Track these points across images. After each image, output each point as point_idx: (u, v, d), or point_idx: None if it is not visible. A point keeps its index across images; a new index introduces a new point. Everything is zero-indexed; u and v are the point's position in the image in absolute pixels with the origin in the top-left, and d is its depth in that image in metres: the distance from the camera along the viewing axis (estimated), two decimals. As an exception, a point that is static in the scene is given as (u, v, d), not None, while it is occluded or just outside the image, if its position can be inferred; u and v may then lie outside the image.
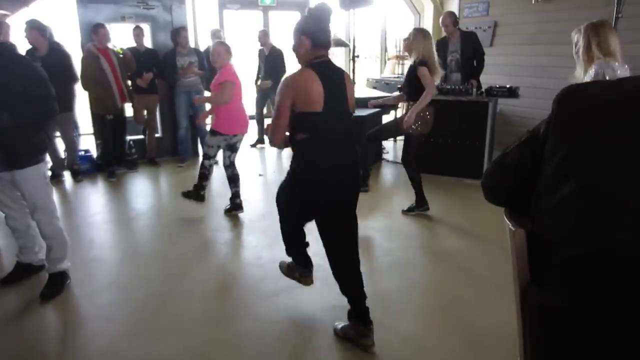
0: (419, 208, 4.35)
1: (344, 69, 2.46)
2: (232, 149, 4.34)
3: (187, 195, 4.44)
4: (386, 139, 4.48)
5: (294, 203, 2.53)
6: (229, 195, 4.52)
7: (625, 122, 0.92)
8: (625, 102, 0.94)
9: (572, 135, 0.99)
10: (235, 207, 4.46)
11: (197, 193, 4.41)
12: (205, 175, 4.39)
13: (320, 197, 2.36)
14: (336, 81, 2.32)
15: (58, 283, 3.00)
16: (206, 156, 4.36)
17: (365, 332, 2.44)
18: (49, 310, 2.85)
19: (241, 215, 4.42)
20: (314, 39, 2.27)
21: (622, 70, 2.84)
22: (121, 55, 5.62)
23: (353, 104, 2.48)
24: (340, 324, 2.57)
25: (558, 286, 1.01)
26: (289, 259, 2.83)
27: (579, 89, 1.03)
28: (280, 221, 2.70)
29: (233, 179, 4.41)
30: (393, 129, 4.52)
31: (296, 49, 2.33)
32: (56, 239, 2.99)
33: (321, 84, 2.18)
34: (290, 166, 2.45)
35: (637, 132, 0.90)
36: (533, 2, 5.90)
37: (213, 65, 4.35)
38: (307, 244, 2.73)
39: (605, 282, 0.93)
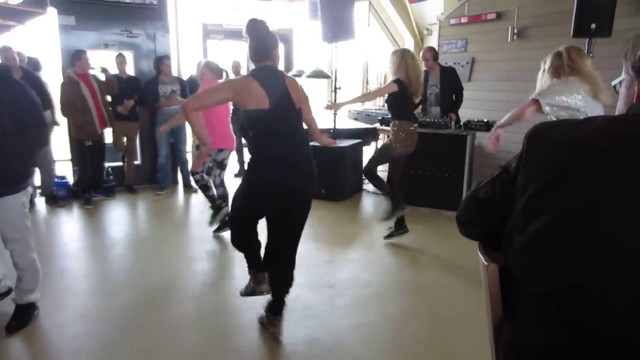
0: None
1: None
2: (220, 166, 4.36)
3: (218, 229, 4.50)
4: (380, 164, 4.50)
5: (247, 196, 2.59)
6: (210, 223, 4.49)
7: (591, 161, 0.95)
8: (591, 142, 0.97)
9: (541, 173, 1.02)
10: (225, 225, 4.40)
11: (219, 206, 4.44)
12: (204, 185, 4.46)
13: (270, 188, 2.49)
14: (277, 83, 2.49)
15: (25, 314, 2.88)
16: (194, 172, 4.43)
17: (272, 320, 2.75)
18: (15, 342, 2.73)
19: (224, 238, 4.37)
20: (255, 48, 2.52)
21: (583, 95, 2.93)
22: (102, 72, 5.59)
23: (304, 100, 2.64)
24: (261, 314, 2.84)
25: (531, 322, 1.02)
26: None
27: (546, 127, 1.06)
28: (231, 218, 2.76)
29: (224, 197, 4.39)
30: (383, 155, 4.43)
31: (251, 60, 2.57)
32: (28, 271, 2.86)
33: (262, 88, 2.39)
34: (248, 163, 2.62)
35: (603, 171, 0.93)
36: (509, 40, 6.12)
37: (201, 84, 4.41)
38: (259, 244, 2.76)
39: (577, 319, 0.94)
